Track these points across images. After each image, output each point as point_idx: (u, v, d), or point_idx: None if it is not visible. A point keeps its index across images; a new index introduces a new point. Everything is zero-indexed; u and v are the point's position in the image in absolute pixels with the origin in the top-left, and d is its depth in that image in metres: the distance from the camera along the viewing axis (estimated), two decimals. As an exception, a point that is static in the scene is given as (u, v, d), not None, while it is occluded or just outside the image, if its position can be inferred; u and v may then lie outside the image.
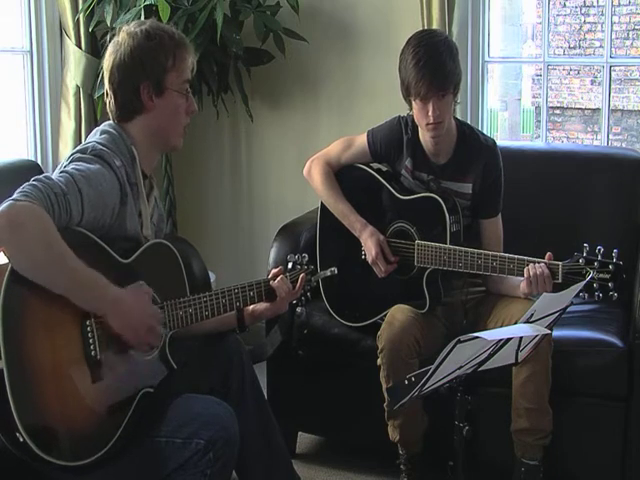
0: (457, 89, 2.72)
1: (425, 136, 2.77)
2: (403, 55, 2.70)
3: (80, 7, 3.70)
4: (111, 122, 2.23)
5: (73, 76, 3.78)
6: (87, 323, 1.96)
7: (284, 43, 3.75)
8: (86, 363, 1.95)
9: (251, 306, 2.40)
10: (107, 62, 2.21)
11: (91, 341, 1.96)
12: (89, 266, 1.94)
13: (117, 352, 2.02)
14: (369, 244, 2.82)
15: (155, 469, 2.05)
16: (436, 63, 2.64)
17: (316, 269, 2.55)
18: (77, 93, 3.80)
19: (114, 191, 2.07)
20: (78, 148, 2.13)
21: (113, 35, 2.23)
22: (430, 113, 2.65)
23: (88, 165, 2.04)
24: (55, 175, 2.00)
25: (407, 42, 2.72)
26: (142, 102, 2.18)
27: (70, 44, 3.77)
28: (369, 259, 2.82)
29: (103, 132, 2.19)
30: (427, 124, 2.68)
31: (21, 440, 1.81)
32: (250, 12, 3.68)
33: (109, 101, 2.23)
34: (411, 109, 2.75)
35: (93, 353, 1.96)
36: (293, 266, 2.47)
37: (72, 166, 2.03)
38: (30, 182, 1.93)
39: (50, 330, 1.91)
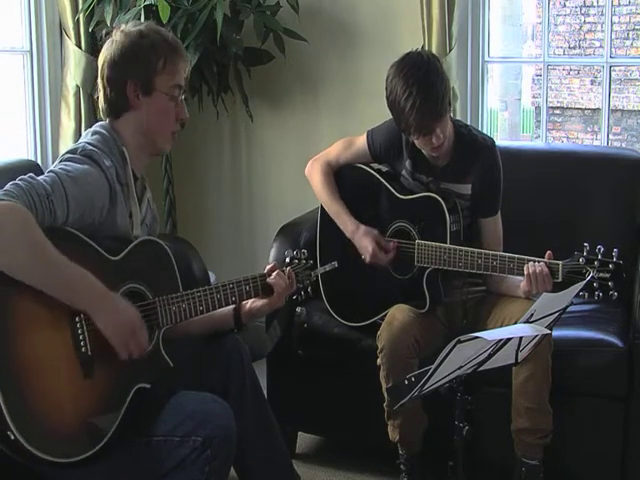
0: (450, 101, 2.69)
1: (425, 149, 2.76)
2: (393, 89, 2.62)
3: (80, 7, 3.70)
4: (103, 123, 2.24)
5: (73, 76, 3.79)
6: (77, 319, 1.96)
7: (284, 43, 3.75)
8: (77, 359, 1.95)
9: (248, 303, 2.37)
10: (100, 58, 2.24)
11: (81, 337, 1.96)
12: (77, 264, 1.94)
13: (108, 348, 2.00)
14: (364, 243, 2.81)
15: (153, 468, 2.04)
16: (430, 98, 2.57)
17: (315, 264, 2.53)
18: (77, 93, 3.80)
19: (103, 191, 2.07)
20: (69, 149, 2.15)
21: (108, 33, 2.24)
22: (434, 141, 2.64)
23: (76, 165, 2.05)
24: (42, 175, 2.00)
25: (394, 74, 2.63)
26: (128, 99, 2.19)
27: (70, 44, 3.77)
28: (366, 257, 2.81)
29: (94, 133, 2.20)
30: (432, 149, 2.69)
31: (12, 438, 1.81)
32: (250, 12, 3.67)
33: (100, 97, 2.24)
34: None
35: (84, 349, 1.96)
36: (290, 260, 2.45)
37: (60, 166, 2.04)
38: (13, 182, 1.93)
39: (40, 326, 1.91)
